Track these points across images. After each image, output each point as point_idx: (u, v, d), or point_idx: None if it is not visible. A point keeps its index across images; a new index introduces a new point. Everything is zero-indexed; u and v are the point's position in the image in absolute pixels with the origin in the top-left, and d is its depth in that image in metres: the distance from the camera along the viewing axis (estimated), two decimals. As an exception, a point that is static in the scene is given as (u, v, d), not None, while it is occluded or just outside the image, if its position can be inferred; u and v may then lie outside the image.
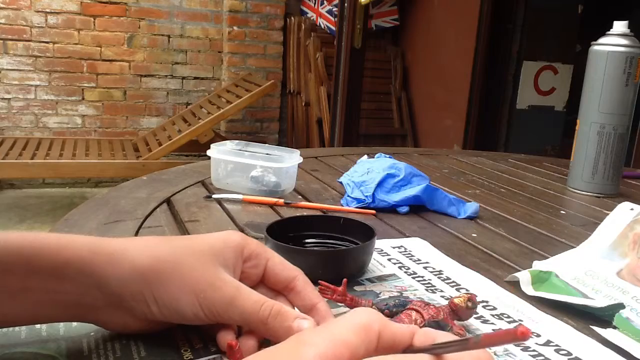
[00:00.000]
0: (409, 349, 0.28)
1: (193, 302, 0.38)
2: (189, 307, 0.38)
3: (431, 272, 0.58)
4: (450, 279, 0.57)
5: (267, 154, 0.88)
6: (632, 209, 0.61)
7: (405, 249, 0.64)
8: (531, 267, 0.59)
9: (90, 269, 0.38)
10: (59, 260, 0.38)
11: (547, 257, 0.65)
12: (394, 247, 0.64)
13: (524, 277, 0.55)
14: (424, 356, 0.26)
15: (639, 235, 0.56)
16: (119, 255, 0.38)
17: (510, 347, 0.43)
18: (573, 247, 0.70)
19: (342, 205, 0.81)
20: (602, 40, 0.96)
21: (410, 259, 0.61)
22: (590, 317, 0.50)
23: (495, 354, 0.42)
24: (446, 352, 0.26)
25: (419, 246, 0.66)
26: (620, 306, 0.49)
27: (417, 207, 0.81)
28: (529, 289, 0.54)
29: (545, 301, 0.52)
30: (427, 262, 0.61)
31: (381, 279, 0.56)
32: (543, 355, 0.42)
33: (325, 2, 3.58)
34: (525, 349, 0.43)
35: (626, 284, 0.54)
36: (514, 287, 0.55)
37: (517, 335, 0.22)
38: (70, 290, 0.38)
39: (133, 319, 0.39)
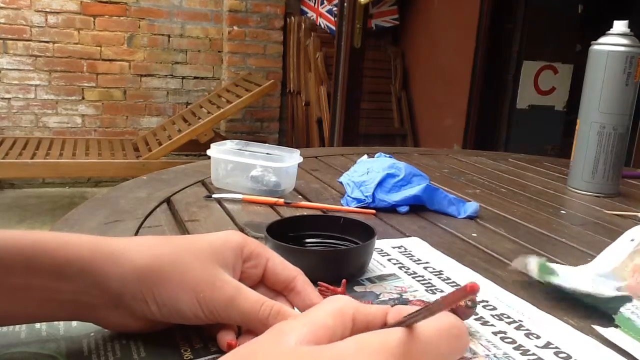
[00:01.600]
0: (384, 327, 0.30)
1: (193, 302, 0.38)
2: (189, 307, 0.38)
3: (431, 272, 0.58)
4: (450, 279, 0.57)
5: (267, 153, 0.88)
6: (632, 240, 0.61)
7: (405, 249, 0.64)
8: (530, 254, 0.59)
9: (91, 268, 0.38)
10: (59, 259, 0.38)
11: (547, 257, 0.65)
12: (394, 247, 0.64)
13: (532, 264, 0.55)
14: (394, 329, 0.27)
15: (638, 267, 0.57)
16: (119, 254, 0.38)
17: (509, 350, 0.43)
18: (573, 246, 0.70)
19: (342, 205, 0.81)
20: (602, 40, 0.96)
21: (411, 259, 0.61)
22: (591, 315, 0.50)
23: (495, 356, 0.42)
24: (415, 321, 0.27)
25: (419, 246, 0.66)
26: (627, 299, 0.49)
27: (417, 207, 0.81)
28: (535, 274, 0.54)
29: (546, 301, 0.52)
30: (427, 262, 0.61)
31: (381, 278, 0.56)
32: (542, 359, 0.42)
33: (325, 1, 3.58)
34: (525, 352, 0.43)
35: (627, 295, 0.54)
36: (514, 287, 0.55)
37: (467, 291, 0.24)
38: (70, 289, 0.38)
39: (133, 319, 0.39)
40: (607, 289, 0.55)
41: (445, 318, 0.28)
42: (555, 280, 0.53)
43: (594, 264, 0.61)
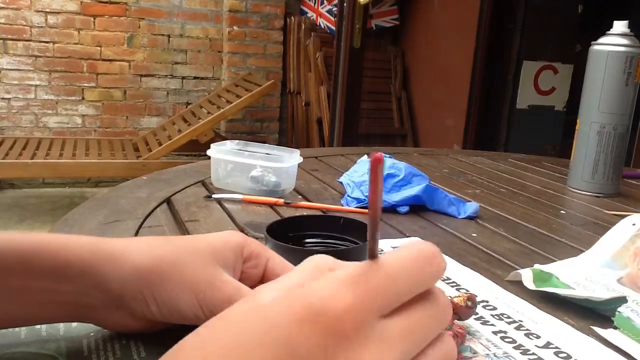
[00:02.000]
0: None
1: (193, 302, 0.38)
2: (189, 307, 0.38)
3: None
4: (450, 279, 0.57)
5: (267, 153, 0.88)
6: (634, 224, 0.61)
7: None
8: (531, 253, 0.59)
9: (91, 269, 0.38)
10: (59, 261, 0.38)
11: (547, 257, 0.65)
12: (393, 247, 0.64)
13: (526, 274, 0.55)
14: (357, 263, 0.25)
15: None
16: (119, 255, 0.38)
17: (509, 350, 0.43)
18: (572, 246, 0.70)
19: (342, 205, 0.81)
20: (602, 40, 0.96)
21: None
22: (591, 316, 0.50)
23: (495, 356, 0.42)
24: (372, 245, 0.25)
25: None
26: (623, 300, 0.49)
27: (417, 207, 0.81)
28: (530, 285, 0.54)
29: (546, 301, 0.52)
30: None
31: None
32: (542, 359, 0.42)
33: (325, 1, 3.58)
34: (525, 352, 0.43)
35: (627, 289, 0.54)
36: (515, 286, 0.55)
37: (373, 163, 0.23)
38: (71, 291, 0.38)
39: (133, 319, 0.39)
40: (608, 280, 0.55)
41: (415, 243, 0.26)
42: (551, 289, 0.53)
43: (593, 251, 0.61)
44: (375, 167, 0.23)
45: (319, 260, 0.29)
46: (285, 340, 0.23)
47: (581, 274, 0.58)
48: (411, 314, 0.25)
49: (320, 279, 0.25)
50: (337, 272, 0.25)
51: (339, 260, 0.29)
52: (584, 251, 0.65)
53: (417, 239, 0.68)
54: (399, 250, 0.26)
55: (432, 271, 0.26)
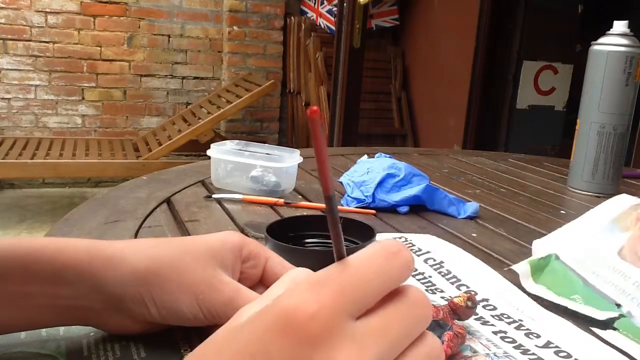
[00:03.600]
0: None
1: (192, 304, 0.38)
2: (188, 309, 0.38)
3: (432, 265, 0.58)
4: (450, 272, 0.57)
5: (267, 153, 0.88)
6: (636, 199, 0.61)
7: (405, 239, 0.64)
8: (531, 253, 0.59)
9: (89, 273, 0.38)
10: (57, 265, 0.37)
11: (547, 235, 0.65)
12: (394, 239, 0.64)
13: (522, 269, 0.55)
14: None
15: None
16: (117, 258, 0.38)
17: (509, 349, 0.43)
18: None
19: (342, 205, 0.81)
20: (602, 40, 0.96)
21: (411, 250, 0.61)
22: (590, 319, 0.50)
23: (495, 355, 0.42)
24: (337, 244, 0.25)
25: (421, 238, 0.65)
26: (621, 315, 0.48)
27: (417, 207, 0.81)
28: (529, 283, 0.54)
29: (546, 301, 0.52)
30: (427, 252, 0.61)
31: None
32: (542, 359, 0.42)
33: (325, 1, 3.58)
34: (525, 352, 0.43)
35: (627, 265, 0.53)
36: (515, 280, 0.55)
37: (309, 115, 0.22)
38: (69, 294, 0.38)
39: (132, 321, 0.39)
40: (608, 253, 0.54)
41: (378, 242, 0.26)
42: (548, 296, 0.53)
43: (594, 212, 0.60)
44: (315, 122, 0.22)
45: (297, 272, 0.29)
46: (260, 354, 0.23)
47: (581, 247, 0.57)
48: (384, 313, 0.24)
49: (289, 288, 0.25)
50: (305, 278, 0.25)
51: (317, 272, 0.29)
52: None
53: (422, 235, 0.68)
54: (364, 250, 0.25)
55: (399, 265, 0.25)
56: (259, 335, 0.23)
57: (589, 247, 0.56)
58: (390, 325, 0.24)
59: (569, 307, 0.51)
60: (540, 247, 0.59)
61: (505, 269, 0.57)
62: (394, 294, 0.25)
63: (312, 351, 0.22)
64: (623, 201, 0.60)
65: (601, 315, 0.49)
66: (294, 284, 0.25)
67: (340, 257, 0.25)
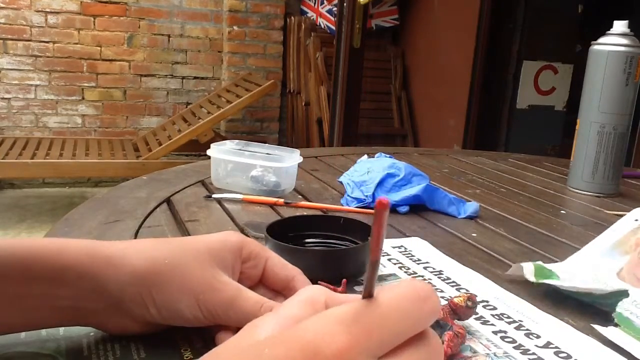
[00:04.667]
0: None
1: (192, 305, 0.38)
2: (188, 310, 0.38)
3: (431, 272, 0.58)
4: (450, 278, 0.57)
5: (267, 153, 0.88)
6: (636, 220, 0.61)
7: (405, 248, 0.64)
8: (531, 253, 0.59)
9: (89, 274, 0.38)
10: (57, 266, 0.37)
11: (547, 257, 0.65)
12: (394, 247, 0.64)
13: (527, 267, 0.55)
14: (353, 302, 0.25)
15: None
16: (117, 258, 0.38)
17: (509, 349, 0.43)
18: (573, 246, 0.70)
19: (342, 205, 0.81)
20: (602, 40, 0.96)
21: (411, 259, 0.61)
22: (591, 314, 0.50)
23: (495, 355, 0.42)
24: (370, 288, 0.25)
25: (419, 246, 0.66)
26: (624, 294, 0.49)
27: (417, 207, 0.81)
28: (532, 278, 0.54)
29: (546, 300, 0.52)
30: (427, 262, 0.61)
31: (381, 279, 0.56)
32: (542, 359, 0.42)
33: (325, 1, 3.58)
34: (525, 352, 0.43)
35: (626, 285, 0.54)
36: (514, 286, 0.55)
37: (378, 207, 0.23)
38: (69, 295, 0.38)
39: (132, 322, 0.39)
40: (608, 275, 0.55)
41: (408, 282, 0.26)
42: (552, 282, 0.53)
43: (594, 244, 0.61)
44: (381, 212, 0.23)
45: (314, 292, 0.29)
46: None
47: (581, 273, 0.58)
48: (405, 356, 0.25)
49: (316, 317, 0.25)
50: (334, 311, 0.25)
51: (334, 293, 0.30)
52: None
53: (418, 239, 0.68)
54: (394, 289, 0.26)
55: (427, 311, 0.25)
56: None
57: (589, 274, 0.57)
58: None
59: (572, 288, 0.51)
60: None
61: (507, 272, 0.57)
62: (415, 336, 0.25)
63: None
64: (623, 225, 0.60)
65: (604, 290, 0.50)
66: (323, 316, 0.25)
67: (369, 296, 0.25)
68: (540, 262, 0.59)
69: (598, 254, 0.59)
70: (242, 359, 0.24)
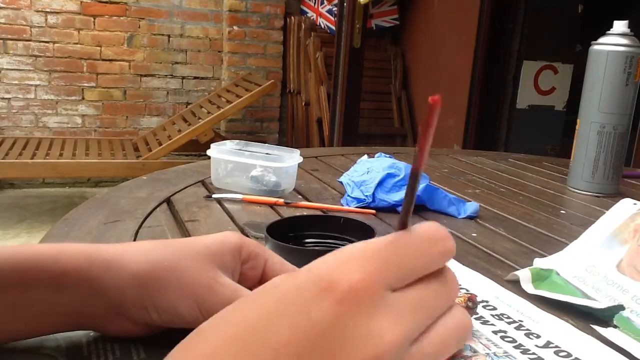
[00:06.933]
0: None
1: (192, 307, 0.38)
2: (188, 312, 0.38)
3: None
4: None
5: (267, 153, 0.88)
6: (635, 204, 0.61)
7: None
8: (532, 265, 0.59)
9: (88, 278, 0.38)
10: (56, 272, 0.37)
11: (547, 257, 0.65)
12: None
13: (524, 275, 0.55)
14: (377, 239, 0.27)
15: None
16: (116, 262, 0.38)
17: (509, 349, 0.43)
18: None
19: (342, 205, 0.81)
20: (602, 40, 0.96)
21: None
22: (590, 317, 0.50)
23: (495, 355, 0.42)
24: (404, 214, 0.27)
25: None
26: (621, 307, 0.49)
27: (417, 207, 0.81)
28: (529, 287, 0.54)
29: (546, 300, 0.52)
30: None
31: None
32: (542, 358, 0.42)
33: (325, 1, 3.58)
34: (525, 351, 0.43)
35: (626, 279, 0.54)
36: (514, 286, 0.55)
37: (432, 106, 0.24)
38: (69, 301, 0.38)
39: (133, 325, 0.39)
40: (607, 268, 0.55)
41: (426, 224, 0.28)
42: (550, 293, 0.53)
43: (593, 229, 0.61)
44: (433, 109, 0.23)
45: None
46: (302, 309, 0.24)
47: (580, 264, 0.57)
48: (421, 289, 0.26)
49: (329, 255, 0.26)
50: (348, 248, 0.26)
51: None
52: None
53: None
54: (414, 228, 0.27)
55: (441, 252, 0.27)
56: (302, 292, 0.24)
57: (588, 264, 0.57)
58: (426, 301, 0.26)
59: (569, 301, 0.51)
60: (541, 264, 0.59)
61: (505, 278, 0.57)
62: (432, 273, 0.27)
63: (354, 314, 0.24)
64: (622, 209, 0.60)
65: (601, 305, 0.49)
66: (337, 253, 0.26)
67: (402, 227, 0.27)
68: (536, 265, 0.59)
69: (597, 244, 0.59)
70: (260, 297, 0.26)
